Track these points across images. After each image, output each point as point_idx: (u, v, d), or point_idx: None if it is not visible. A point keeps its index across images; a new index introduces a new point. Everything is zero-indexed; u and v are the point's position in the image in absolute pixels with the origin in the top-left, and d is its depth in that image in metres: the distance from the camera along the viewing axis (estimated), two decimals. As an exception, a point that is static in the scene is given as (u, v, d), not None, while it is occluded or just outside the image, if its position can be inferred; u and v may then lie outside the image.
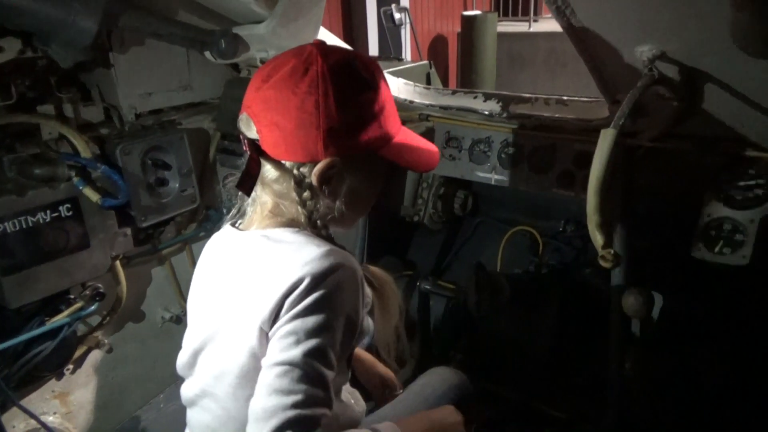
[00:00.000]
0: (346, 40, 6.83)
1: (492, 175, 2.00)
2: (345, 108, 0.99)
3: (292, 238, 1.03)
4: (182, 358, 1.18)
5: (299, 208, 1.04)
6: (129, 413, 2.01)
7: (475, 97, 1.94)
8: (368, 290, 1.16)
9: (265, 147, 1.03)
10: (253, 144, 1.04)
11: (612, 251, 1.15)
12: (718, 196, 1.55)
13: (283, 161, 1.03)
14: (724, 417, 1.91)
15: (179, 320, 2.14)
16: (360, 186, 1.08)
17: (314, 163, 1.01)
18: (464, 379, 1.49)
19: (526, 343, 2.21)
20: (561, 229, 2.25)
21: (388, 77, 2.05)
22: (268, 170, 1.06)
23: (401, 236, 2.79)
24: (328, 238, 1.08)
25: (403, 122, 2.08)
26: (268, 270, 0.99)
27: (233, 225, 1.14)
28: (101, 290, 1.73)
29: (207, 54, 1.70)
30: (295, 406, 0.87)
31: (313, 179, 1.02)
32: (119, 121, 1.74)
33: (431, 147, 1.18)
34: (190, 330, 1.16)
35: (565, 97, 1.79)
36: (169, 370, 2.09)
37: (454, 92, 2.00)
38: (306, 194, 1.03)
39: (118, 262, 1.78)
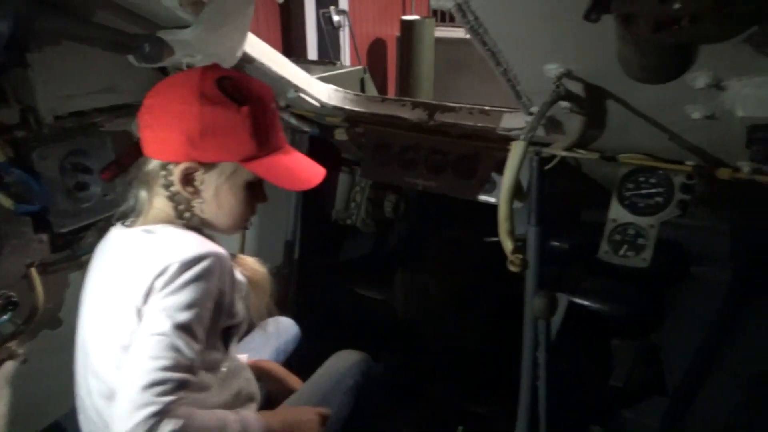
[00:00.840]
0: (284, 43, 6.77)
1: (419, 180, 2.06)
2: (206, 119, 1.14)
3: (166, 231, 1.19)
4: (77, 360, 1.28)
5: (169, 204, 1.22)
6: (43, 426, 1.93)
7: (403, 105, 2.00)
8: (242, 278, 1.30)
9: (143, 146, 1.21)
10: (137, 143, 1.22)
11: (520, 256, 1.22)
12: (623, 203, 1.67)
13: (155, 160, 1.20)
14: (625, 411, 2.06)
15: (103, 328, 2.08)
16: (226, 193, 1.23)
17: (177, 163, 1.18)
18: (367, 357, 1.62)
19: (453, 344, 2.29)
20: (486, 234, 2.35)
21: (320, 84, 2.08)
22: (145, 168, 1.23)
23: (334, 239, 2.82)
24: (206, 236, 1.24)
25: (334, 127, 2.12)
26: (143, 258, 1.13)
27: (123, 224, 1.27)
28: (14, 299, 1.65)
29: (131, 58, 1.67)
30: (163, 369, 1.00)
31: (176, 178, 1.19)
32: (36, 124, 1.68)
33: (310, 171, 1.33)
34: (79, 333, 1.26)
35: (487, 107, 1.87)
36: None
37: (383, 100, 2.05)
38: (174, 189, 1.20)
39: (33, 270, 1.71)
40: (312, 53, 6.67)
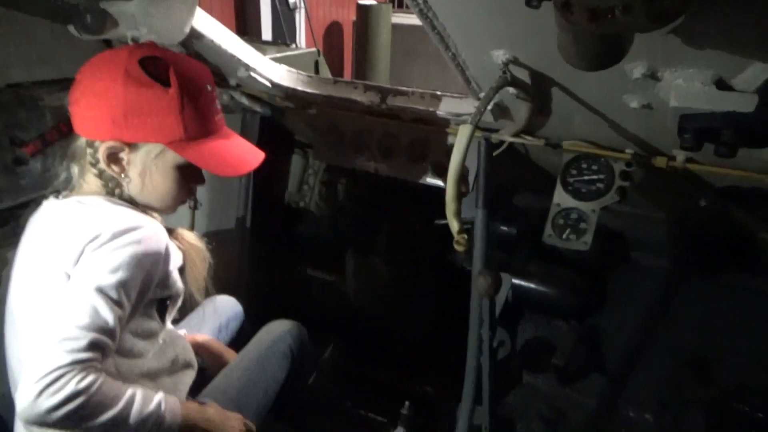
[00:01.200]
0: (238, 23, 6.62)
1: (372, 164, 2.07)
2: (129, 99, 1.14)
3: (99, 202, 1.20)
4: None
5: (98, 182, 1.23)
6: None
7: (355, 88, 2.00)
8: (178, 252, 1.33)
9: (72, 121, 1.21)
10: (67, 118, 1.22)
11: (465, 236, 1.26)
12: (567, 189, 1.73)
13: (82, 137, 1.21)
14: (570, 385, 2.15)
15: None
16: (154, 174, 1.24)
17: (103, 142, 1.18)
18: (298, 324, 1.65)
19: (401, 325, 2.33)
20: (438, 217, 2.40)
21: (272, 64, 2.06)
22: (73, 144, 1.24)
23: (286, 221, 2.81)
24: (141, 210, 1.25)
25: (286, 109, 2.10)
26: (75, 225, 1.14)
27: (56, 197, 1.26)
28: (-53, 278, 1.59)
29: (71, 28, 1.61)
30: (79, 327, 1.00)
31: (100, 157, 1.19)
32: (-31, 95, 1.61)
33: (245, 157, 1.33)
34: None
35: (438, 92, 1.89)
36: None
37: (335, 82, 2.05)
38: (100, 167, 1.21)
39: (-32, 248, 1.65)
40: (266, 34, 6.56)
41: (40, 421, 0.95)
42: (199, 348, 1.57)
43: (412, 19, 8.32)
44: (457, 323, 2.15)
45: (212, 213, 2.27)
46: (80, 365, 0.98)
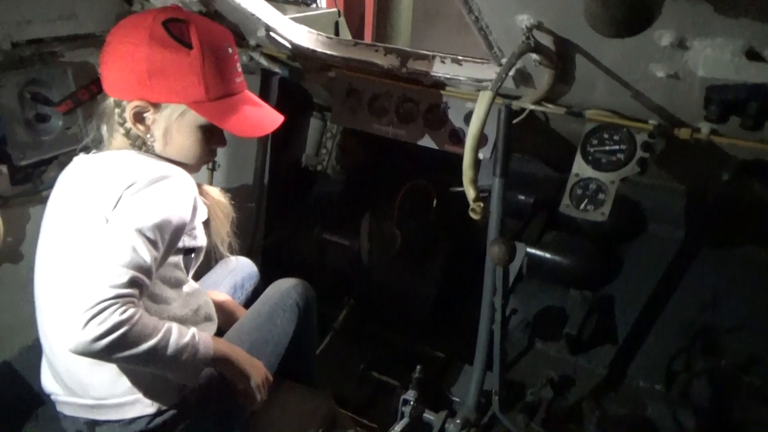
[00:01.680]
0: (257, -21, 6.50)
1: (389, 128, 2.06)
2: (154, 60, 1.19)
3: (132, 154, 1.28)
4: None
5: (127, 139, 1.29)
6: (3, 360, 1.94)
7: (376, 51, 1.97)
8: (204, 207, 1.38)
9: (102, 82, 1.27)
10: (97, 79, 1.28)
11: (481, 204, 1.25)
12: (586, 159, 1.70)
13: (110, 97, 1.27)
14: (581, 354, 2.17)
15: (65, 264, 2.07)
16: (177, 133, 1.29)
17: (130, 102, 1.24)
18: (303, 281, 1.67)
19: (414, 291, 2.35)
20: (454, 184, 2.39)
21: (291, 24, 2.03)
22: (102, 104, 1.30)
23: (303, 185, 2.82)
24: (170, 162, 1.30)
25: (305, 71, 2.08)
26: (112, 174, 1.20)
27: (86, 153, 1.32)
28: (-27, 231, 1.63)
29: (92, -17, 1.60)
30: (119, 264, 1.07)
31: (127, 116, 1.25)
32: (-8, 50, 1.61)
33: (265, 118, 1.38)
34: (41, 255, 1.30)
35: (459, 57, 1.86)
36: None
37: (356, 44, 2.02)
38: (127, 126, 1.27)
39: (-8, 202, 1.69)
40: (287, -7, 6.44)
41: (87, 349, 1.02)
42: (215, 306, 1.60)
43: (435, -19, 8.11)
44: (470, 290, 2.17)
45: (230, 174, 2.28)
46: (122, 299, 1.04)
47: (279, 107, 1.47)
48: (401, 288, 2.39)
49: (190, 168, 1.36)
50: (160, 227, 1.15)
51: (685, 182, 2.08)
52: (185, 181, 1.26)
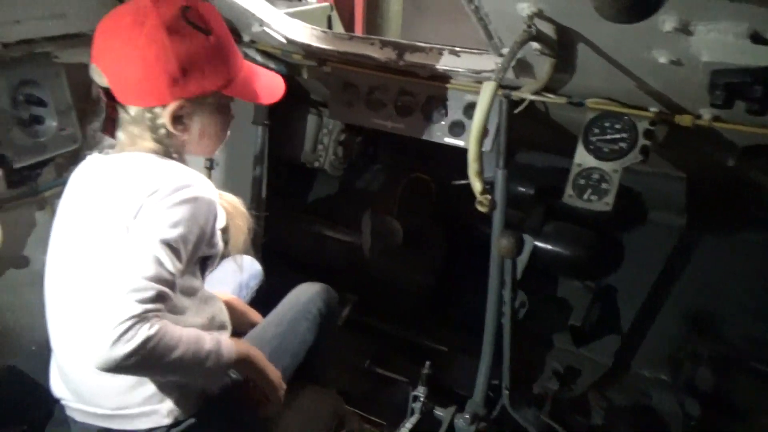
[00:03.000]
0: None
1: (388, 122, 2.04)
2: (184, 56, 1.13)
3: (151, 158, 1.20)
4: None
5: (155, 144, 1.22)
6: (3, 365, 1.92)
7: (372, 44, 1.95)
8: (223, 213, 1.33)
9: (117, 95, 1.17)
10: (107, 91, 1.17)
11: (489, 197, 1.24)
12: (588, 148, 1.69)
13: (135, 107, 1.18)
14: (586, 345, 2.17)
15: (63, 267, 2.04)
16: (211, 120, 1.26)
17: (164, 106, 1.17)
18: (328, 287, 1.65)
19: (414, 283, 2.34)
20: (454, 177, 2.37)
21: (285, 19, 2.01)
22: (124, 114, 1.21)
23: (302, 182, 2.80)
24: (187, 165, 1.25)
25: (300, 66, 2.06)
26: (132, 179, 1.14)
27: (100, 153, 1.27)
28: (-31, 235, 1.61)
29: (83, -19, 1.57)
30: (145, 278, 1.04)
31: (166, 121, 1.18)
32: (-18, 52, 1.59)
33: (273, 81, 1.37)
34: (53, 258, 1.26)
35: (457, 48, 1.84)
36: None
37: (351, 38, 2.00)
38: (161, 132, 1.20)
39: (-12, 206, 1.66)
40: (277, -11, 6.40)
41: (116, 365, 1.00)
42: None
43: (426, -27, 8.07)
44: (471, 282, 2.16)
45: (228, 172, 2.26)
46: (150, 314, 1.03)
47: (275, 104, 1.45)
48: (401, 281, 2.38)
49: (210, 154, 1.39)
50: (184, 238, 1.12)
51: (685, 169, 2.07)
52: (208, 188, 1.21)
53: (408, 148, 2.40)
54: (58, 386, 1.31)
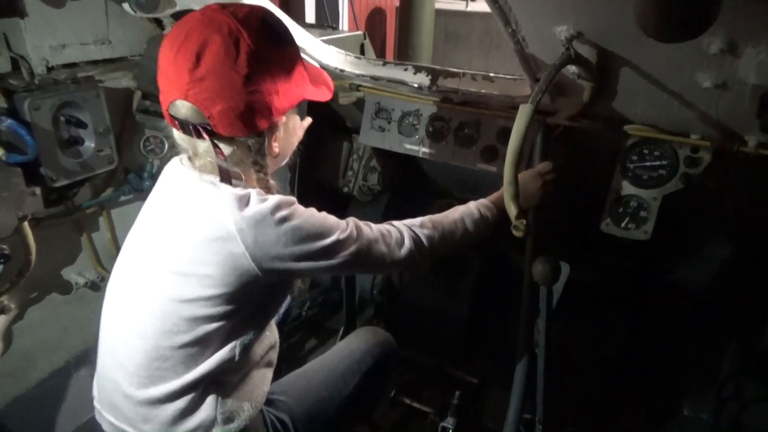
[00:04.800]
0: (281, 6, 6.64)
1: (420, 147, 2.03)
2: (283, 72, 1.08)
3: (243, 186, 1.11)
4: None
5: (253, 170, 1.14)
6: (35, 381, 1.93)
7: (405, 69, 1.95)
8: None
9: (221, 129, 1.06)
10: (207, 129, 1.05)
11: (524, 222, 1.21)
12: (626, 175, 1.65)
13: (237, 137, 1.08)
14: (621, 380, 2.07)
15: (95, 286, 2.06)
16: (295, 125, 1.24)
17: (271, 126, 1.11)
18: (388, 336, 1.60)
19: (444, 311, 2.29)
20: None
21: (320, 44, 2.03)
22: (232, 146, 1.10)
23: (330, 208, 2.79)
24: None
25: (336, 92, 2.06)
26: (229, 205, 1.04)
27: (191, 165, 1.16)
28: (6, 251, 1.63)
29: (126, 6, 1.62)
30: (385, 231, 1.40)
31: (271, 142, 1.14)
32: (28, 74, 1.64)
33: (320, 76, 1.27)
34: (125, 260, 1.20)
35: (491, 74, 1.83)
36: (81, 337, 2.03)
37: (385, 63, 2.01)
38: (264, 150, 1.13)
39: (26, 223, 1.68)
40: (310, 17, 6.55)
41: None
42: None
43: (456, 5, 8.20)
44: (503, 310, 2.10)
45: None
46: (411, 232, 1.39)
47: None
48: (431, 308, 2.33)
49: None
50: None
51: (729, 197, 2.00)
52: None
53: (438, 173, 2.37)
54: (102, 407, 1.23)
